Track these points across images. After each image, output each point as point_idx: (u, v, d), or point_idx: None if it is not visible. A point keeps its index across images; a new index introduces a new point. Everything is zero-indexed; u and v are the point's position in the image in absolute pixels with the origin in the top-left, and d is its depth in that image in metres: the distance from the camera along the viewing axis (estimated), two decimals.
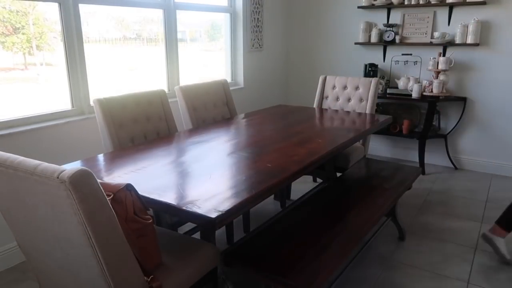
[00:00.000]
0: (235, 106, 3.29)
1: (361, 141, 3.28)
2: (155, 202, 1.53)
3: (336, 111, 3.26)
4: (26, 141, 2.43)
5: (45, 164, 1.16)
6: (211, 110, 3.06)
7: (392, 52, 4.31)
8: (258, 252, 1.74)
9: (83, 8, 2.70)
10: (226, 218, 1.43)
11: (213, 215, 1.39)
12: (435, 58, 3.92)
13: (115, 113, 2.37)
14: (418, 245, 2.69)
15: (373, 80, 3.31)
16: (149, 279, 1.41)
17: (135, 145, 2.29)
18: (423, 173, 4.04)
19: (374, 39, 4.25)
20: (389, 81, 4.31)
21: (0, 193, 1.33)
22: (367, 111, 3.29)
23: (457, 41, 3.88)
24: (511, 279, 2.31)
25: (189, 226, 2.66)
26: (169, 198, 1.53)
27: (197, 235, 2.34)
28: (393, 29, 4.15)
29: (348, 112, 3.21)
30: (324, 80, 3.57)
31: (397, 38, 4.14)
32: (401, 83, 4.09)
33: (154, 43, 3.45)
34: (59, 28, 2.62)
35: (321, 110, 3.32)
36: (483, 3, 3.72)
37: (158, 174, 1.79)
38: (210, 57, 4.26)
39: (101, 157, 2.05)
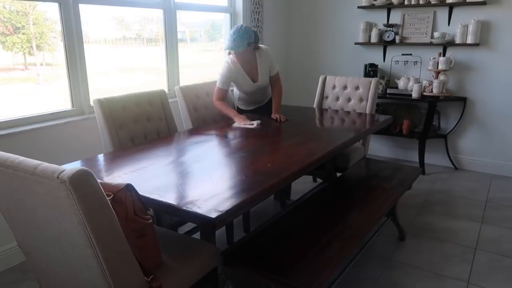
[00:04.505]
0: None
1: (361, 141, 3.27)
2: (155, 202, 1.53)
3: (336, 111, 3.26)
4: (26, 141, 2.43)
5: (45, 164, 1.16)
6: (211, 110, 3.06)
7: (392, 52, 4.30)
8: (258, 252, 1.74)
9: (83, 8, 2.70)
10: (226, 218, 1.43)
11: (213, 215, 1.39)
12: (435, 58, 3.92)
13: (115, 113, 2.37)
14: (418, 245, 2.69)
15: (373, 80, 3.31)
16: (149, 279, 1.41)
17: (135, 145, 2.29)
18: (423, 173, 4.04)
19: (374, 39, 4.25)
20: (389, 81, 4.31)
21: (0, 193, 1.33)
22: (367, 111, 3.29)
23: (457, 41, 3.88)
24: (511, 279, 2.32)
25: (189, 226, 2.66)
26: (169, 198, 1.53)
27: (197, 235, 2.34)
28: (393, 29, 4.14)
29: (348, 112, 3.21)
30: (324, 80, 3.57)
31: (397, 38, 4.14)
32: (401, 83, 4.09)
33: (154, 43, 3.45)
34: (59, 28, 2.62)
35: (321, 110, 3.32)
36: (483, 3, 3.72)
37: (158, 174, 1.79)
38: (210, 57, 4.26)
39: (101, 157, 2.05)
